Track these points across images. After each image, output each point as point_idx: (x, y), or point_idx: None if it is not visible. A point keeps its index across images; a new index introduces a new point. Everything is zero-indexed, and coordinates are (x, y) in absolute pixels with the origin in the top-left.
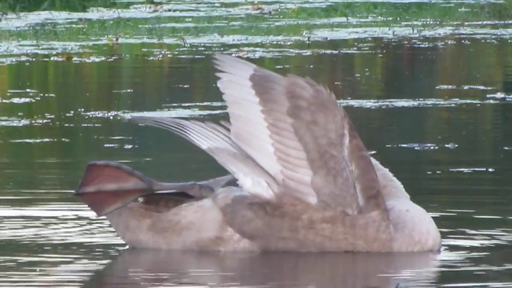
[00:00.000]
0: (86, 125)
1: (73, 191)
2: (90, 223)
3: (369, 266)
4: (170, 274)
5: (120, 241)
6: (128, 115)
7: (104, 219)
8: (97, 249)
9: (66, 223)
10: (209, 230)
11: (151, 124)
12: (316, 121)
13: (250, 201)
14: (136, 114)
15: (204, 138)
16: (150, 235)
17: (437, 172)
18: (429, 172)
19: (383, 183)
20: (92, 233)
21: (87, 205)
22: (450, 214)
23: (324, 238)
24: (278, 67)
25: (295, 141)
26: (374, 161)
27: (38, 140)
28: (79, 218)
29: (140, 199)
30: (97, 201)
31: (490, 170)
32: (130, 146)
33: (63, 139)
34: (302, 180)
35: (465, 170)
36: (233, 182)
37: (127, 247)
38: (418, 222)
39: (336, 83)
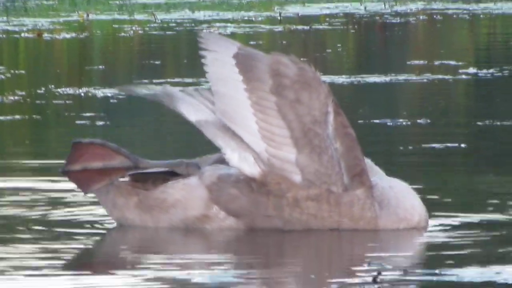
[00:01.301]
0: (57, 101)
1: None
2: (70, 198)
3: (355, 243)
4: (158, 252)
5: (106, 217)
6: (114, 89)
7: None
8: (84, 225)
9: (46, 197)
10: (195, 208)
11: (140, 93)
12: (300, 99)
13: (235, 179)
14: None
15: (193, 109)
16: (137, 212)
17: (409, 147)
18: (401, 148)
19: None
20: (75, 209)
21: (73, 183)
22: (421, 187)
23: (309, 216)
24: (251, 42)
25: (279, 119)
26: None
27: (9, 117)
28: (62, 191)
29: (127, 177)
30: (83, 179)
31: (462, 145)
32: (101, 123)
33: (34, 116)
34: (287, 158)
35: (437, 145)
36: (221, 161)
37: (114, 224)
38: (402, 198)
39: (307, 58)
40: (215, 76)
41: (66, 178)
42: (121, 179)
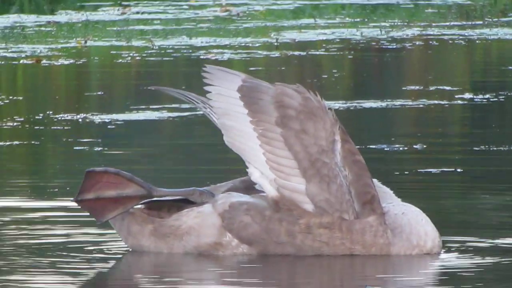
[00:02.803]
0: (55, 127)
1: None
2: (75, 223)
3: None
4: (172, 276)
5: (120, 243)
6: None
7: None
8: (96, 250)
9: (55, 222)
10: (209, 236)
11: (177, 96)
12: (306, 129)
13: (247, 206)
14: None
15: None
16: (152, 240)
17: (405, 172)
18: (397, 173)
19: None
20: (89, 233)
21: (87, 212)
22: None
23: (321, 244)
24: (251, 68)
25: (286, 150)
26: None
27: (7, 143)
28: (70, 217)
29: (141, 205)
30: (97, 207)
31: (458, 170)
32: (99, 148)
33: (32, 142)
34: (296, 189)
35: (433, 170)
36: (233, 189)
37: (129, 249)
38: (415, 224)
39: (304, 84)
40: (221, 111)
41: (79, 207)
42: (136, 207)
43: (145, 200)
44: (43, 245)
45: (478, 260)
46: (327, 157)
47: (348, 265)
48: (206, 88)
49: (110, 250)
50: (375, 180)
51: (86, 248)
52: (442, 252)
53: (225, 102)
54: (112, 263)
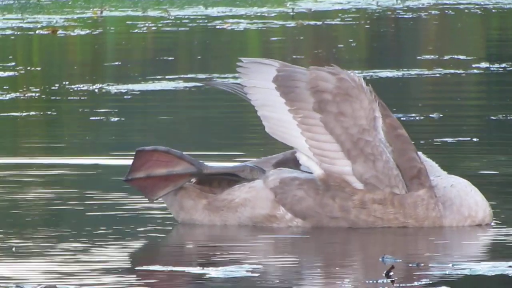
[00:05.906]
0: (71, 98)
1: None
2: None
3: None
4: (224, 246)
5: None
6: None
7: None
8: (148, 222)
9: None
10: (263, 208)
11: (223, 89)
12: (343, 111)
13: (300, 181)
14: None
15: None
16: (206, 214)
17: (421, 142)
18: (413, 142)
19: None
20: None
21: (138, 190)
22: None
23: (376, 219)
24: (269, 38)
25: (327, 135)
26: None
27: (24, 113)
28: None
29: (192, 180)
30: (147, 186)
31: (474, 139)
32: (115, 119)
33: (48, 112)
34: (343, 171)
35: (450, 139)
36: (284, 160)
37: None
38: (465, 195)
39: (320, 54)
40: (259, 103)
41: (130, 186)
42: (187, 183)
43: (195, 177)
44: (96, 217)
45: (482, 230)
46: (369, 136)
47: (401, 238)
48: (242, 81)
49: (157, 220)
50: (419, 153)
51: (135, 220)
52: (493, 222)
53: (262, 94)
54: (162, 233)
